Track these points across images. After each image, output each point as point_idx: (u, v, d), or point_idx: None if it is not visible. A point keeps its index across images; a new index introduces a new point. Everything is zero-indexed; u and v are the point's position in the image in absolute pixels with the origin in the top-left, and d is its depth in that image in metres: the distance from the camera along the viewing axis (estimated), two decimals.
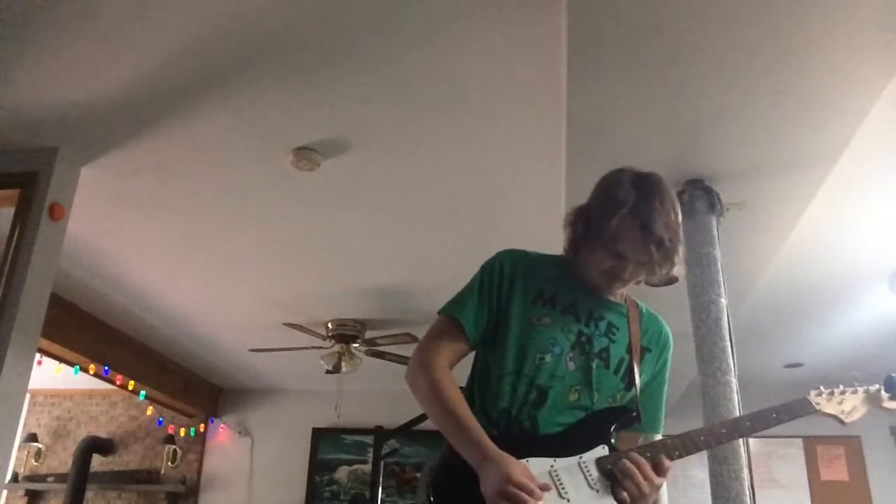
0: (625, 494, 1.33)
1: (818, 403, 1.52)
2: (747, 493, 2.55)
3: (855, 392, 1.54)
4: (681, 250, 1.45)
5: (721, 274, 2.86)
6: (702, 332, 2.78)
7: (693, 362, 2.74)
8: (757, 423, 1.46)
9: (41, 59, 2.64)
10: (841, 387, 1.54)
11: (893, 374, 1.55)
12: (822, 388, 1.53)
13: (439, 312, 1.53)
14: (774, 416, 1.47)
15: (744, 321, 4.07)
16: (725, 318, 2.79)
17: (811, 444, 6.34)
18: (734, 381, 2.69)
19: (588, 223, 1.49)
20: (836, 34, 2.14)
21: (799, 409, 1.50)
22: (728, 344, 2.74)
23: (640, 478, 1.33)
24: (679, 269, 1.48)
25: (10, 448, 3.05)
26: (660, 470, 1.36)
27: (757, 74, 2.33)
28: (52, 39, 2.54)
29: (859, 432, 6.27)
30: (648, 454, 1.38)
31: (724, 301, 2.82)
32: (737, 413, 2.63)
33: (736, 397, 2.66)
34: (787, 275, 4.08)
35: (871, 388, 1.54)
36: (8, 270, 2.92)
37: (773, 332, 5.10)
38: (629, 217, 1.41)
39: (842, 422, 1.52)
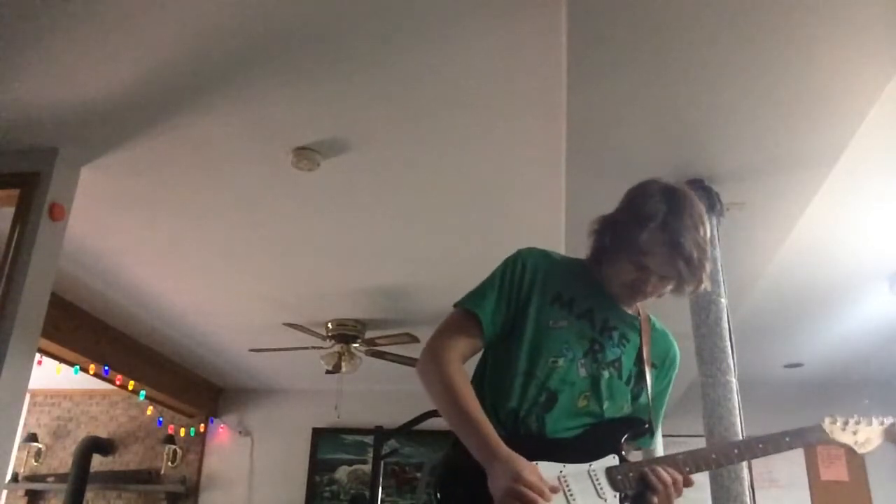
0: (655, 500, 1.35)
1: (832, 432, 1.51)
2: (747, 493, 2.55)
3: (870, 424, 1.53)
4: (708, 267, 1.44)
5: (721, 274, 2.85)
6: (702, 332, 2.78)
7: (693, 362, 2.74)
8: (769, 446, 1.46)
9: (41, 59, 2.64)
10: (856, 416, 1.53)
11: None
12: (836, 416, 1.53)
13: (456, 305, 1.51)
14: (787, 440, 1.47)
15: (744, 321, 4.07)
16: (725, 318, 2.79)
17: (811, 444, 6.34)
18: (734, 381, 2.69)
19: (615, 234, 1.48)
20: (835, 34, 2.14)
21: (812, 436, 1.50)
22: (728, 344, 2.74)
23: (672, 490, 1.36)
24: (706, 286, 1.47)
25: (10, 448, 3.05)
26: (688, 483, 1.39)
27: (757, 74, 2.33)
28: (53, 39, 2.53)
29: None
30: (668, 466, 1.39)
31: (724, 301, 2.82)
32: (737, 413, 2.63)
33: (736, 397, 2.66)
34: (787, 275, 4.08)
35: (886, 420, 1.54)
36: (8, 270, 2.92)
37: (773, 332, 5.10)
38: (658, 232, 1.40)
39: (855, 451, 1.52)
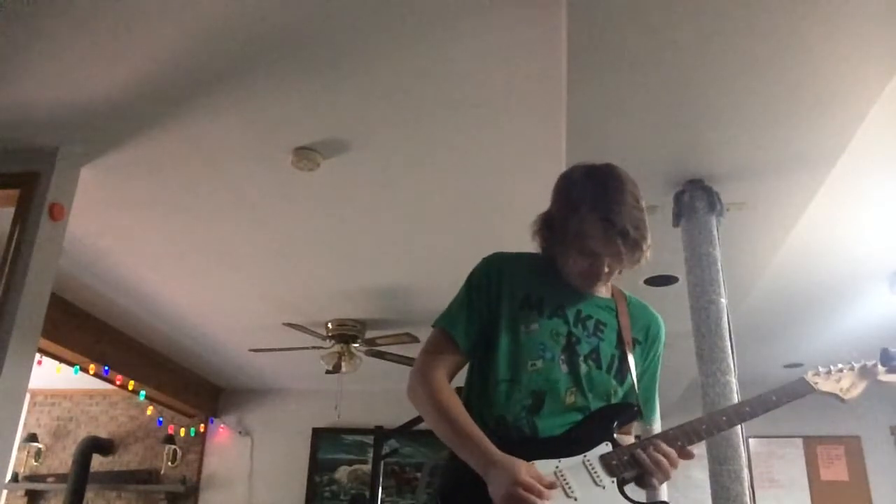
0: (654, 481, 1.37)
1: (816, 383, 1.53)
2: (747, 493, 2.55)
3: (851, 369, 1.56)
4: (648, 235, 1.45)
5: (721, 274, 2.85)
6: (702, 332, 2.78)
7: (693, 362, 2.74)
8: (757, 407, 1.47)
9: (41, 59, 2.64)
10: (839, 365, 1.55)
11: (888, 348, 1.57)
12: (819, 367, 1.55)
13: (433, 325, 1.55)
14: (774, 398, 1.48)
15: (744, 321, 4.07)
16: (725, 318, 2.79)
17: (811, 444, 6.34)
18: (734, 381, 2.69)
19: (553, 228, 1.50)
20: (835, 34, 2.14)
21: (798, 390, 1.51)
22: (728, 344, 2.74)
23: (666, 465, 1.37)
24: (648, 253, 1.48)
25: (10, 448, 3.05)
26: (685, 456, 1.40)
27: (757, 75, 2.33)
28: (53, 40, 2.54)
29: (859, 432, 6.27)
30: (658, 442, 1.40)
31: (724, 301, 2.82)
32: None
33: (736, 397, 2.66)
34: (787, 275, 4.08)
35: (867, 363, 1.56)
36: (8, 270, 2.92)
37: (773, 332, 5.10)
38: (590, 213, 1.42)
39: (841, 399, 1.54)
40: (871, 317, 4.73)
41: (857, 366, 1.56)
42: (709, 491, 2.60)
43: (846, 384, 1.54)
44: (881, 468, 6.19)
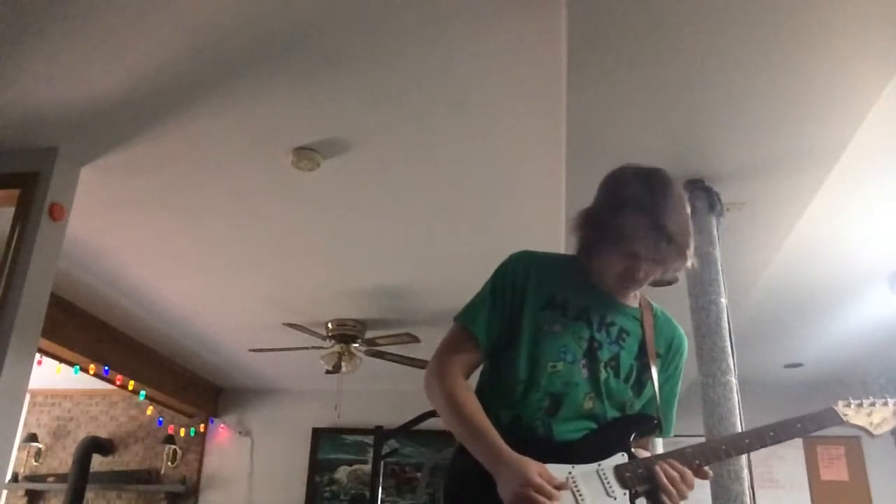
0: (667, 499, 1.34)
1: (846, 415, 1.48)
2: (747, 493, 2.55)
3: (885, 404, 1.51)
4: (692, 244, 1.43)
5: (721, 274, 2.86)
6: (702, 332, 2.78)
7: (693, 362, 2.74)
8: (781, 432, 1.43)
9: (41, 59, 2.64)
10: (871, 398, 1.50)
11: None
12: (850, 398, 1.50)
13: (455, 319, 1.52)
14: (799, 426, 1.44)
15: (744, 321, 4.07)
16: (725, 318, 2.79)
17: (811, 444, 6.34)
18: (734, 381, 2.69)
19: (597, 225, 1.45)
20: (836, 34, 2.14)
21: (825, 419, 1.47)
22: (728, 344, 2.74)
23: (681, 484, 1.34)
24: (692, 262, 1.46)
25: (10, 448, 3.05)
26: (701, 476, 1.39)
27: (757, 75, 2.33)
28: (52, 39, 2.53)
29: (859, 432, 6.26)
30: (673, 461, 1.38)
31: (724, 301, 2.82)
32: (737, 413, 2.63)
33: (736, 397, 2.66)
34: (788, 275, 4.08)
35: None
36: (8, 270, 2.92)
37: (773, 332, 5.10)
38: (640, 215, 1.38)
39: (871, 434, 1.49)
40: (871, 317, 4.73)
41: (891, 402, 1.51)
42: (709, 491, 2.60)
43: (877, 419, 1.49)
44: (881, 468, 6.18)
